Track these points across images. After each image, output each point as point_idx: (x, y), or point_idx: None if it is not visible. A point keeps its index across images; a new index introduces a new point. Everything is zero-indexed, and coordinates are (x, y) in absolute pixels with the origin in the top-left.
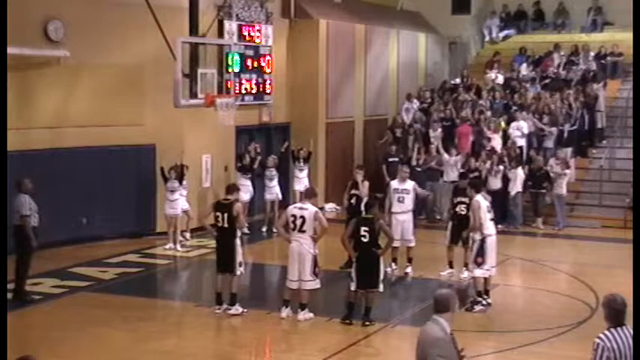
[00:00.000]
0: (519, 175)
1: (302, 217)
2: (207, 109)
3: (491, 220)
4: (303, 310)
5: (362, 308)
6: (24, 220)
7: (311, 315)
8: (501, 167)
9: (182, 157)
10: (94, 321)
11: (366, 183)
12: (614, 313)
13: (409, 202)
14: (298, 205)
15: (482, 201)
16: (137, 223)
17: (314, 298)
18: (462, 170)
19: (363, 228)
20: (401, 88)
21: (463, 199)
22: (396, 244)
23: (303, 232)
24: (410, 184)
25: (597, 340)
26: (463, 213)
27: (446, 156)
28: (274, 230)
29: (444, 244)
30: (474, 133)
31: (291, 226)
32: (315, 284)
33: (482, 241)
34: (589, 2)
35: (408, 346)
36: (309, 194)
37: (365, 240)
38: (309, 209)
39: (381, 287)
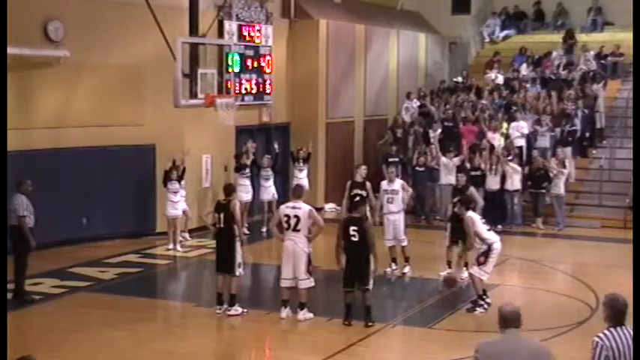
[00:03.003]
0: (517, 171)
1: (296, 216)
2: (207, 109)
3: (489, 230)
4: (302, 309)
5: (362, 309)
6: (20, 220)
7: (311, 315)
8: (508, 163)
9: (184, 158)
10: (94, 321)
11: (367, 182)
12: (615, 314)
13: (398, 202)
14: (290, 204)
15: (474, 215)
16: (137, 223)
17: (314, 298)
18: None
19: (352, 227)
20: (401, 88)
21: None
22: (390, 243)
23: (298, 231)
24: (398, 184)
25: (596, 339)
26: (458, 213)
27: (444, 159)
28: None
29: (445, 245)
30: (478, 134)
31: (285, 225)
32: (310, 282)
33: (489, 247)
34: (589, 2)
35: (407, 346)
36: (298, 193)
37: (355, 239)
38: (302, 208)
39: (370, 285)
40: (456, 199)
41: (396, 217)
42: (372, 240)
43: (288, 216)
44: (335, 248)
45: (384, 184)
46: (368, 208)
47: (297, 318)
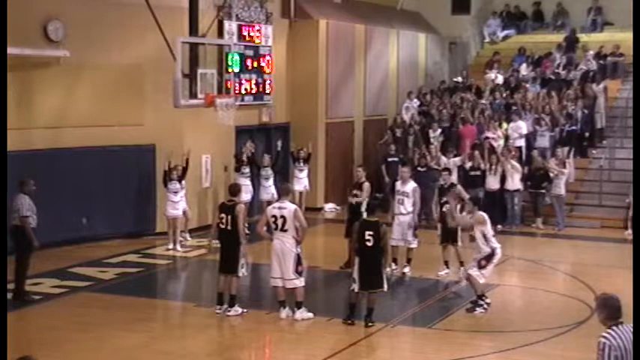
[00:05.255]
0: (518, 170)
1: (282, 216)
2: (207, 109)
3: (494, 236)
4: (299, 308)
5: (365, 309)
6: (23, 220)
7: (310, 315)
8: (510, 161)
9: (184, 158)
10: (94, 321)
11: (367, 184)
12: (613, 311)
13: (408, 204)
14: (277, 205)
15: (486, 216)
16: (137, 223)
17: (314, 298)
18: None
19: (367, 232)
20: (401, 88)
21: (447, 200)
22: (396, 242)
23: (285, 231)
24: (410, 187)
25: (603, 340)
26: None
27: (444, 159)
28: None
29: (438, 245)
30: (478, 134)
31: (273, 226)
32: (299, 282)
33: (493, 252)
34: (589, 2)
35: (407, 346)
36: (285, 192)
37: (369, 244)
38: (288, 208)
39: (385, 287)
40: (443, 200)
41: (404, 219)
42: (387, 245)
43: (275, 216)
44: (349, 250)
45: (397, 184)
46: (364, 208)
47: (295, 317)
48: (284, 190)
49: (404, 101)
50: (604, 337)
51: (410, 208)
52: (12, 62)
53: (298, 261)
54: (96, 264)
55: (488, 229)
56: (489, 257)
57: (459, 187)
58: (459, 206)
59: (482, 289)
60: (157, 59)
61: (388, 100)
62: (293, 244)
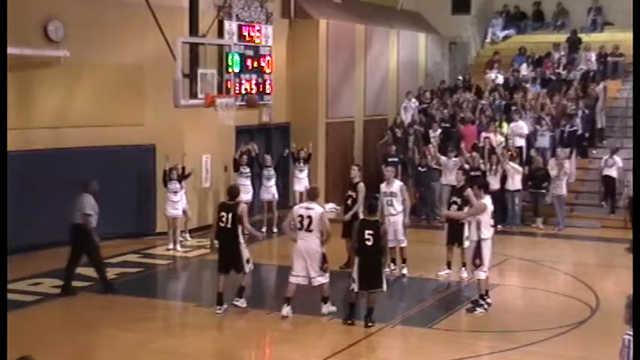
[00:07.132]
0: (519, 171)
1: (309, 217)
2: (207, 109)
3: (492, 226)
4: (325, 303)
5: (365, 309)
6: (85, 218)
7: (334, 308)
8: (506, 165)
9: (183, 159)
10: (94, 321)
11: (361, 185)
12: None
13: (397, 204)
14: (305, 205)
15: (489, 205)
16: (137, 223)
17: (314, 298)
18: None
19: (367, 231)
20: (401, 88)
21: (455, 199)
22: (391, 244)
23: (310, 231)
24: (397, 186)
25: (627, 337)
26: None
27: (443, 159)
28: (274, 230)
29: (444, 245)
30: (478, 134)
31: (298, 225)
32: (324, 279)
33: (478, 243)
34: (589, 2)
35: (407, 346)
36: (313, 195)
37: (369, 243)
38: (315, 209)
39: (384, 286)
40: (451, 200)
41: (395, 219)
42: (386, 245)
43: (301, 216)
44: (349, 249)
45: (382, 186)
46: (360, 209)
47: (322, 312)
48: (313, 192)
49: (403, 101)
50: (628, 334)
51: (399, 208)
52: (12, 62)
53: (323, 259)
54: None
55: (486, 219)
56: (478, 252)
57: (469, 190)
58: (466, 208)
59: (485, 288)
60: (157, 59)
61: (388, 100)
62: (318, 243)
